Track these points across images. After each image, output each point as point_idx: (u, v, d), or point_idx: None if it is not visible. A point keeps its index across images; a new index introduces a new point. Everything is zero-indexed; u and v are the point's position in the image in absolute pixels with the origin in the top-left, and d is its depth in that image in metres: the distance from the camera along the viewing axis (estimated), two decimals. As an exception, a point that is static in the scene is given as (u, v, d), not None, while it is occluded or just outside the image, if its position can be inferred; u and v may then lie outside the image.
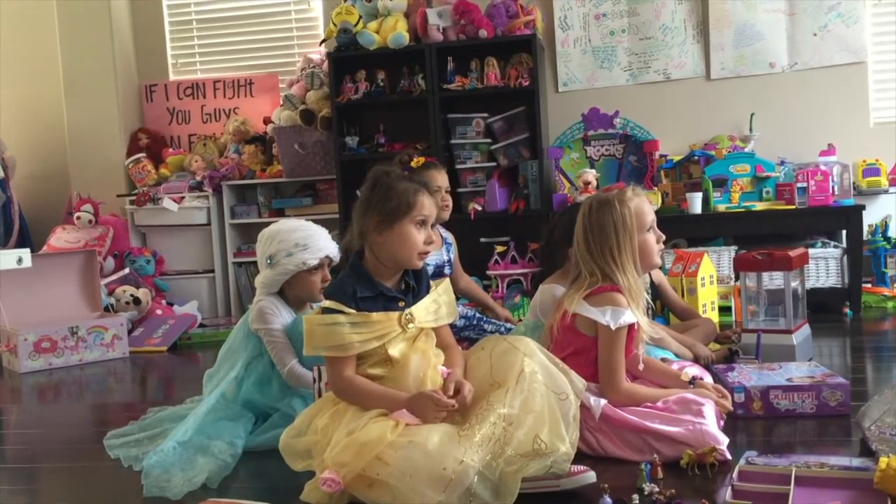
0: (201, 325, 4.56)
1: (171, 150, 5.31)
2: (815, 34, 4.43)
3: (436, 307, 2.02)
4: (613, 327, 2.09)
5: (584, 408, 2.00)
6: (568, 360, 2.03)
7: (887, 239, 4.16)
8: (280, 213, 4.88)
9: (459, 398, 1.81)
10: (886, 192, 4.23)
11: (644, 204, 2.29)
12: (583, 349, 2.17)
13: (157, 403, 2.90)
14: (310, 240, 2.55)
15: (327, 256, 2.58)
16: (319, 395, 2.12)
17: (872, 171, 4.25)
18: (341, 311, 1.88)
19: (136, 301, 4.51)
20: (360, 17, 4.55)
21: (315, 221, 2.69)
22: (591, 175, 4.28)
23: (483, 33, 4.48)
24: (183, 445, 2.18)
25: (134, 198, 5.04)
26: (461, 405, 1.81)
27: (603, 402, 2.05)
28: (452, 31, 4.56)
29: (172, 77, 5.42)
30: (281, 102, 5.04)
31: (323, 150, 4.80)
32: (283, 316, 2.51)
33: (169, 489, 1.98)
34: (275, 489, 1.98)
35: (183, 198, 4.99)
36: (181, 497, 1.96)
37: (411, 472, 1.66)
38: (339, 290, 1.93)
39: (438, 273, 3.18)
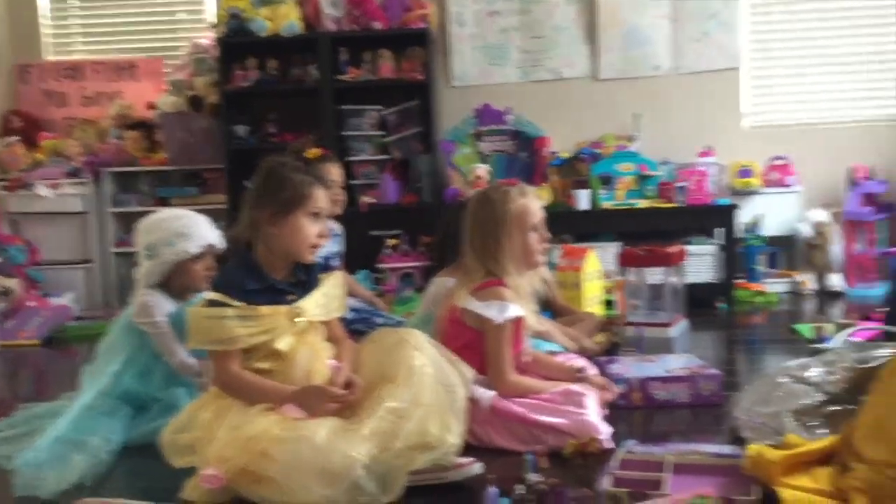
0: (78, 318, 4.37)
1: (46, 133, 5.04)
2: (695, 40, 4.62)
3: (326, 300, 2.00)
4: (498, 322, 2.13)
5: (473, 400, 2.03)
6: (458, 352, 2.05)
7: (759, 237, 4.39)
8: (165, 203, 4.71)
9: (349, 392, 1.80)
10: (759, 192, 4.45)
11: (530, 204, 2.27)
12: (472, 342, 2.19)
13: (30, 399, 2.75)
14: (191, 228, 2.48)
15: (210, 245, 2.51)
16: (203, 391, 2.06)
17: (746, 172, 4.47)
18: (227, 304, 1.83)
19: (7, 292, 4.27)
20: (252, 2, 4.45)
21: (202, 212, 2.61)
22: (482, 170, 4.33)
23: (377, 25, 4.46)
24: (57, 442, 2.08)
25: (5, 183, 4.77)
26: (350, 399, 1.80)
27: (491, 394, 2.08)
28: (346, 21, 4.51)
29: (49, 57, 5.14)
30: (167, 87, 4.87)
31: (211, 138, 4.67)
32: (165, 308, 2.44)
33: (42, 488, 1.89)
34: (154, 488, 1.91)
35: (58, 184, 4.75)
36: (55, 496, 1.87)
37: (298, 466, 1.64)
38: (225, 281, 1.89)
39: (325, 265, 3.14)
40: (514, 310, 2.16)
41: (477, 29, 4.76)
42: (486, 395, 2.08)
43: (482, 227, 2.23)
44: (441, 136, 4.61)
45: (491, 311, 2.14)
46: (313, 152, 2.37)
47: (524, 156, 4.57)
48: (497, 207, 2.22)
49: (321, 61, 4.46)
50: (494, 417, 2.05)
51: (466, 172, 4.46)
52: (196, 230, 2.49)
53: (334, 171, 3.13)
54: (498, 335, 2.15)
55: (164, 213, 2.56)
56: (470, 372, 1.97)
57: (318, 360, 1.92)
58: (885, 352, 2.05)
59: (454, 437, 1.79)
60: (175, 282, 2.50)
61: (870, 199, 4.39)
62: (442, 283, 2.77)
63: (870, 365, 2.01)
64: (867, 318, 3.27)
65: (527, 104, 4.63)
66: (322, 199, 1.96)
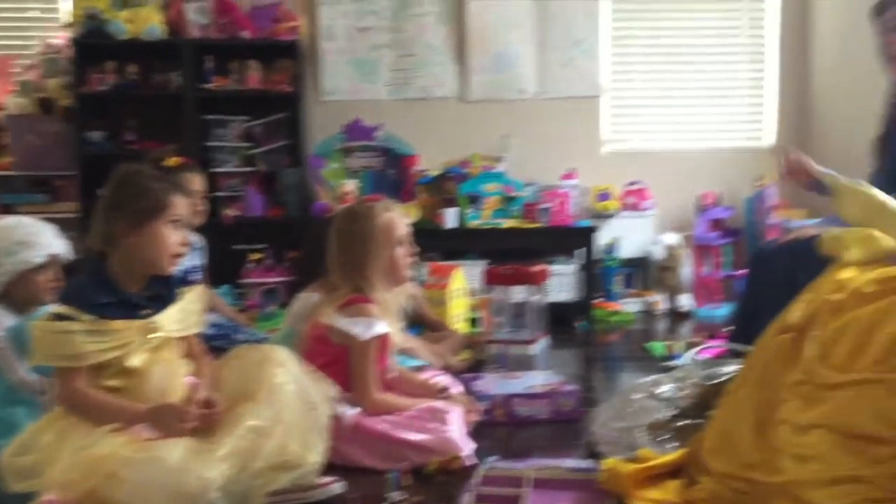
0: None
1: None
2: (560, 66, 4.78)
3: (183, 315, 1.92)
4: (364, 338, 2.11)
5: (336, 418, 2.00)
6: (322, 369, 2.01)
7: (616, 258, 4.57)
8: (9, 210, 4.40)
9: (207, 412, 1.73)
10: (616, 215, 4.64)
11: (396, 218, 2.29)
12: (336, 359, 2.17)
13: None
14: (33, 237, 2.32)
15: (55, 255, 2.36)
16: (47, 410, 1.93)
17: (605, 196, 4.66)
18: (75, 318, 1.72)
19: None
20: (111, 3, 4.26)
21: (51, 220, 2.45)
22: (351, 186, 4.31)
23: (245, 34, 4.36)
24: None
25: None
26: (208, 419, 1.73)
27: (354, 412, 2.06)
28: (213, 28, 4.39)
29: None
30: (14, 88, 4.57)
31: (62, 143, 4.42)
32: (4, 322, 2.27)
33: None
34: (-12, 516, 1.77)
35: None
36: None
37: (149, 489, 1.56)
38: (74, 294, 1.78)
39: (184, 279, 3.03)
40: (380, 326, 2.15)
41: (348, 44, 4.74)
42: (350, 412, 2.05)
43: (348, 242, 2.22)
44: (309, 151, 4.55)
45: (357, 328, 2.13)
46: (173, 161, 2.28)
47: (393, 173, 4.58)
48: (363, 222, 2.21)
49: (185, 68, 4.32)
50: (357, 435, 2.03)
51: (334, 188, 4.42)
52: (39, 239, 2.34)
53: (195, 181, 3.04)
54: (363, 352, 2.14)
55: (5, 221, 2.40)
56: (333, 390, 1.95)
57: (174, 378, 1.84)
58: (729, 369, 2.17)
59: (316, 455, 1.76)
60: (17, 293, 2.33)
61: (717, 224, 4.66)
62: (307, 298, 2.73)
63: (716, 381, 2.12)
64: (714, 337, 3.45)
65: (397, 121, 4.65)
66: (182, 206, 1.89)
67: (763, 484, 1.50)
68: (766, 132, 4.93)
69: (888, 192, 2.68)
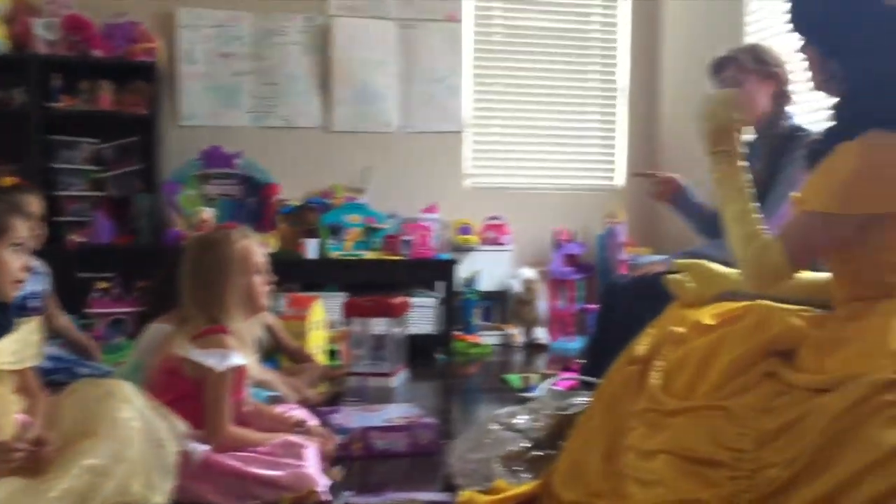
0: None
1: None
2: (423, 101, 4.85)
3: (20, 347, 1.79)
4: (219, 370, 2.04)
5: (185, 455, 1.91)
6: (171, 405, 1.93)
7: (475, 291, 4.64)
8: None
9: (35, 449, 1.61)
10: (476, 249, 4.72)
11: (252, 246, 2.25)
12: (187, 393, 2.08)
13: None
14: None
15: None
16: None
17: (465, 229, 4.74)
18: None
19: None
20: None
21: None
22: (207, 213, 4.18)
23: (97, 53, 4.18)
24: None
25: None
26: (37, 457, 1.61)
27: (204, 448, 1.98)
28: (62, 45, 4.18)
29: None
30: None
31: None
32: None
33: None
34: None
35: None
36: None
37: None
38: None
39: (23, 305, 2.84)
40: (236, 358, 2.08)
41: (208, 69, 4.62)
42: (199, 449, 1.97)
43: (203, 270, 2.15)
44: (164, 176, 4.39)
45: (212, 360, 2.05)
46: (8, 181, 2.15)
47: (252, 201, 4.48)
48: (219, 250, 2.15)
49: (30, 85, 4.08)
50: (207, 472, 1.94)
51: (190, 215, 4.28)
52: None
53: (34, 203, 2.88)
54: (218, 384, 2.06)
55: None
56: (182, 426, 1.86)
57: (4, 415, 1.71)
58: (581, 400, 2.24)
59: (159, 495, 1.68)
60: None
61: (571, 259, 4.83)
62: (158, 330, 2.62)
63: (568, 412, 2.18)
64: (567, 369, 3.56)
65: (258, 149, 4.56)
66: (23, 229, 1.78)
67: (610, 510, 1.55)
68: (618, 172, 5.18)
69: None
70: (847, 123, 1.59)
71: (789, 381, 1.46)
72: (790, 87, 2.78)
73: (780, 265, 1.61)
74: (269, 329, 3.18)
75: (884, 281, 1.55)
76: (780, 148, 2.70)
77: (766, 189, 2.65)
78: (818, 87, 1.71)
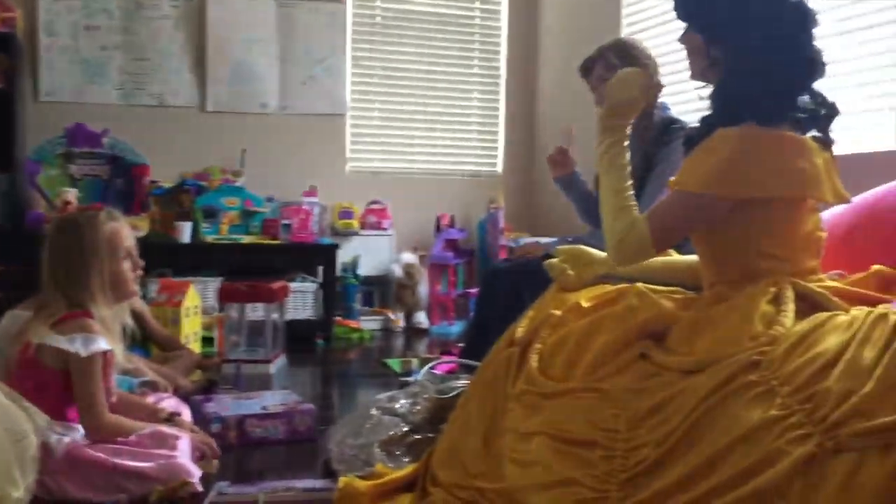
0: None
1: None
2: (303, 83, 4.75)
3: None
4: (84, 355, 1.94)
5: (46, 448, 1.80)
6: (30, 395, 1.81)
7: (356, 276, 4.60)
8: None
9: None
10: (357, 233, 4.68)
11: (121, 229, 2.16)
12: (47, 383, 1.97)
13: None
14: None
15: None
16: None
17: (347, 214, 4.68)
18: None
19: None
20: None
21: None
22: (71, 195, 3.96)
23: (-53, 20, 3.88)
24: None
25: None
26: None
27: (67, 439, 1.88)
28: None
29: None
30: None
31: None
32: None
33: None
34: None
35: None
36: None
37: None
38: None
39: None
40: (101, 343, 1.98)
41: (72, 42, 4.37)
42: (62, 440, 1.86)
43: (66, 254, 2.04)
44: (24, 155, 4.12)
45: (76, 345, 1.94)
46: None
47: (121, 182, 4.28)
48: (84, 233, 2.04)
49: None
50: (69, 465, 1.84)
51: (52, 196, 4.05)
52: None
53: None
54: (86, 370, 1.96)
55: None
56: (43, 417, 1.75)
57: None
58: (460, 383, 2.25)
59: (20, 490, 1.57)
60: None
61: (452, 244, 4.86)
62: (16, 317, 2.47)
63: (448, 395, 2.19)
64: (447, 353, 3.58)
65: (127, 128, 4.35)
66: None
67: (488, 491, 1.56)
68: (499, 158, 5.24)
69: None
70: (724, 110, 1.65)
71: (661, 362, 1.51)
72: (659, 80, 2.86)
73: (643, 241, 1.66)
74: (138, 316, 3.05)
75: (750, 265, 1.63)
76: (654, 140, 2.78)
77: (642, 182, 2.73)
78: (698, 76, 1.76)
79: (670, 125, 2.77)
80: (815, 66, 1.66)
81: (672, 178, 1.71)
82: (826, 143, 1.69)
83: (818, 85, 1.69)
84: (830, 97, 1.70)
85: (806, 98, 1.68)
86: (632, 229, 1.68)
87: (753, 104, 1.61)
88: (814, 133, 1.68)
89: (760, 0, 1.64)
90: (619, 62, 2.77)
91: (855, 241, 1.90)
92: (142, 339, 3.10)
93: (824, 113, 1.69)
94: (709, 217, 1.64)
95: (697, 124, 1.74)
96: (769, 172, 1.57)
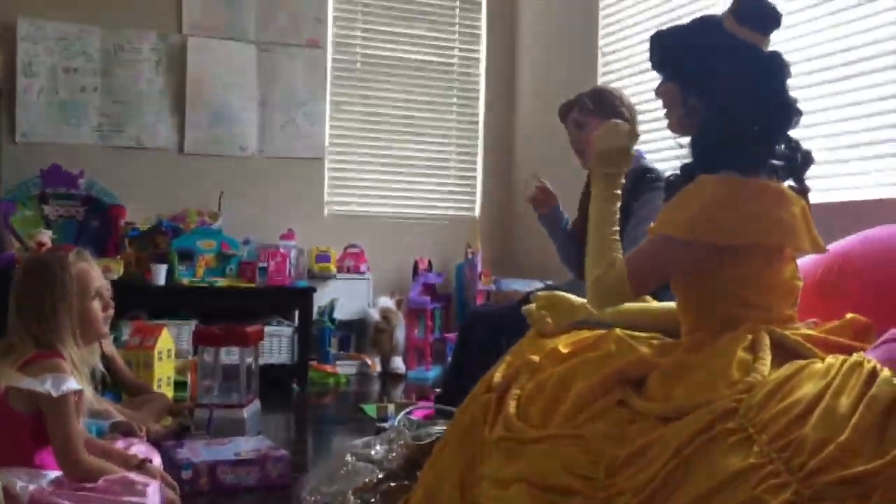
0: None
1: None
2: (282, 126, 4.77)
3: None
4: (55, 395, 1.90)
5: (10, 495, 1.75)
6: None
7: (332, 320, 4.57)
8: None
9: None
10: (334, 277, 4.66)
11: (90, 269, 2.13)
12: (16, 427, 1.92)
13: None
14: None
15: None
16: None
17: (324, 257, 4.67)
18: None
19: None
20: None
21: None
22: (45, 236, 3.90)
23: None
24: None
25: None
26: None
27: (32, 487, 1.82)
28: None
29: None
30: None
31: None
32: None
33: None
34: None
35: None
36: None
37: None
38: None
39: None
40: (72, 383, 1.94)
41: (50, 83, 4.36)
42: (27, 489, 1.81)
43: (35, 294, 2.01)
44: (-2, 195, 4.09)
45: (46, 385, 1.90)
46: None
47: (96, 224, 4.25)
48: (54, 273, 2.02)
49: None
50: (35, 514, 1.79)
51: (26, 237, 3.99)
52: None
53: None
54: (59, 410, 1.91)
55: None
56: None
57: None
58: (437, 429, 2.22)
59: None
60: None
61: (429, 289, 4.84)
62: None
63: (424, 442, 2.16)
64: (424, 398, 3.55)
65: (104, 170, 4.34)
66: None
67: (465, 540, 1.53)
68: (477, 203, 5.27)
69: (577, 251, 2.97)
70: (703, 158, 1.68)
71: (639, 409, 1.50)
72: (636, 129, 2.88)
73: (620, 282, 1.67)
74: (108, 360, 3.01)
75: (729, 313, 1.64)
76: (630, 190, 2.78)
77: (620, 232, 2.74)
78: (675, 126, 1.79)
79: (645, 174, 2.75)
80: (789, 113, 1.69)
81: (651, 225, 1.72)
82: (803, 191, 1.71)
83: (794, 134, 1.73)
84: (805, 146, 1.74)
85: (782, 146, 1.71)
86: (610, 269, 1.69)
87: (731, 152, 1.63)
88: (790, 182, 1.71)
89: (734, 50, 1.67)
90: (594, 107, 2.81)
91: (827, 289, 1.92)
92: (112, 384, 3.05)
93: (800, 161, 1.72)
94: (687, 262, 1.65)
95: (676, 171, 1.76)
96: (748, 219, 1.59)
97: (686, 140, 1.76)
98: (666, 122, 1.82)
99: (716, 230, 1.59)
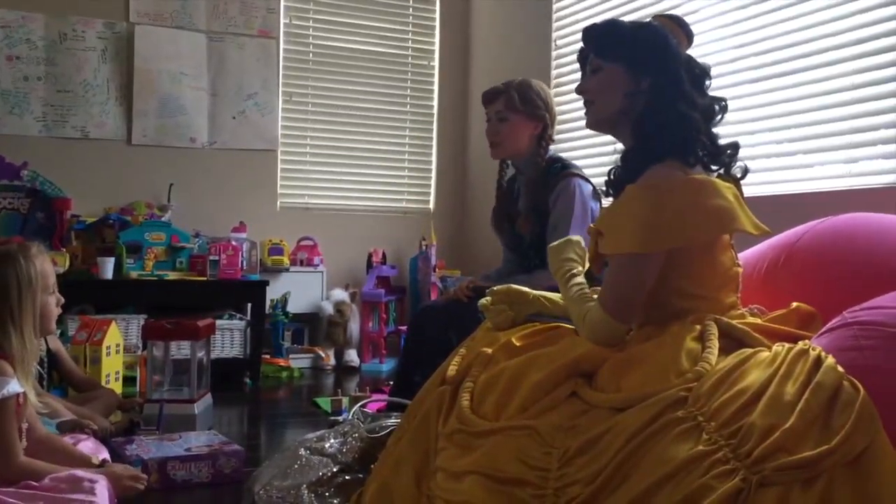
0: None
1: None
2: (233, 117, 4.70)
3: None
4: (-4, 399, 1.85)
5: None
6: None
7: (286, 313, 4.53)
8: None
9: None
10: (288, 270, 4.61)
11: (47, 263, 2.12)
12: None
13: None
14: None
15: None
16: None
17: (277, 250, 4.62)
18: None
19: None
20: None
21: None
22: (-12, 229, 3.82)
23: None
24: None
25: None
26: None
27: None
28: None
29: None
30: None
31: None
32: None
33: None
34: None
35: None
36: None
37: None
38: None
39: None
40: (13, 386, 1.90)
41: (-9, 72, 4.24)
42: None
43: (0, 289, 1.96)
44: (-63, 187, 3.97)
45: (-15, 389, 1.85)
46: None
47: (41, 216, 4.14)
48: (20, 265, 1.98)
49: None
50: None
51: (-33, 230, 3.89)
52: None
53: None
54: (-2, 414, 1.87)
55: None
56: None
57: None
58: (391, 422, 2.22)
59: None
60: None
61: (383, 281, 4.83)
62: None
63: (379, 435, 2.16)
64: (378, 391, 3.54)
65: (48, 161, 4.23)
66: None
67: (420, 532, 1.54)
68: (432, 195, 5.26)
69: (515, 262, 3.00)
70: (646, 143, 1.70)
71: (590, 399, 1.52)
72: (551, 131, 2.95)
73: (604, 322, 1.63)
74: (53, 355, 2.95)
75: (673, 306, 1.66)
76: (539, 182, 2.86)
77: (538, 228, 2.82)
78: (606, 112, 1.79)
79: (552, 165, 2.88)
80: (721, 106, 1.76)
81: (591, 225, 1.75)
82: (734, 178, 1.75)
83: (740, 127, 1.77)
84: (752, 141, 1.79)
85: (713, 136, 1.75)
86: (590, 316, 1.66)
87: (676, 138, 1.66)
88: (720, 172, 1.76)
89: (675, 46, 1.73)
90: (521, 105, 2.86)
91: (774, 278, 1.96)
92: (59, 380, 2.99)
93: (729, 150, 1.76)
94: (656, 272, 1.65)
95: (622, 160, 1.78)
96: (697, 216, 1.62)
97: (621, 146, 1.79)
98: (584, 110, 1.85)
99: (675, 235, 1.61)
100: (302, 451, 2.21)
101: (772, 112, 3.00)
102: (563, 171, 2.85)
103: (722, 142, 1.77)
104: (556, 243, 1.93)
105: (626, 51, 1.76)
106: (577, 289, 1.76)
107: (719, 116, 1.76)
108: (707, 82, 1.77)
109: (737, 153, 1.78)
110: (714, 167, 1.76)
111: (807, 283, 1.87)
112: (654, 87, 1.72)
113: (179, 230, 4.22)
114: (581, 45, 1.87)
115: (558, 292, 1.85)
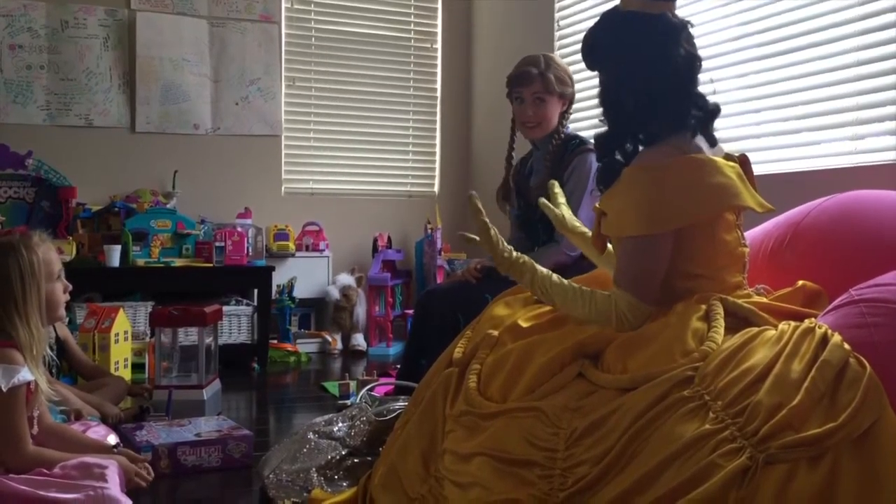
0: None
1: None
2: (236, 103, 4.70)
3: None
4: (5, 388, 1.86)
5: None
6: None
7: (292, 299, 4.54)
8: None
9: None
10: (293, 255, 4.62)
11: (51, 252, 2.12)
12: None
13: None
14: None
15: None
16: None
17: (282, 235, 4.63)
18: None
19: None
20: None
21: None
22: (-6, 218, 3.83)
23: None
24: None
25: None
26: None
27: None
28: None
29: None
30: None
31: None
32: None
33: None
34: None
35: None
36: None
37: None
38: None
39: None
40: (24, 374, 1.91)
41: (-6, 61, 4.24)
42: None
43: (3, 279, 1.96)
44: (-58, 177, 3.98)
45: (-5, 378, 1.86)
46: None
47: (47, 205, 4.15)
48: (21, 256, 1.98)
49: None
50: (-10, 501, 1.77)
51: (-27, 220, 3.90)
52: None
53: None
54: (7, 404, 1.88)
55: None
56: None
57: None
58: (399, 405, 2.23)
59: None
60: None
61: (389, 265, 4.84)
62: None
63: (386, 418, 2.17)
64: (386, 375, 3.55)
65: (53, 150, 4.23)
66: None
67: (428, 514, 1.54)
68: (437, 179, 5.25)
69: (518, 235, 3.01)
70: (615, 129, 1.71)
71: (596, 380, 1.52)
72: (571, 108, 2.99)
73: (631, 305, 1.62)
74: (64, 342, 2.96)
75: (677, 286, 1.66)
76: (558, 157, 2.88)
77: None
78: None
79: (570, 141, 2.92)
80: (693, 63, 1.71)
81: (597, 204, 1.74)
82: (741, 159, 1.74)
83: (745, 105, 1.75)
84: (757, 119, 1.77)
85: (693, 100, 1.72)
86: (615, 305, 1.64)
87: (659, 110, 1.66)
88: (727, 153, 1.74)
89: (628, 24, 1.71)
90: (556, 86, 2.88)
91: (780, 256, 1.96)
92: (68, 368, 3.01)
93: (709, 112, 1.73)
94: (666, 249, 1.64)
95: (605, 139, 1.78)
96: (699, 193, 1.61)
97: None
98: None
99: (679, 214, 1.60)
100: (310, 435, 2.22)
101: (777, 90, 2.98)
102: (580, 146, 2.88)
103: (703, 104, 1.73)
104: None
105: (600, 56, 1.78)
106: (571, 285, 1.73)
107: (699, 66, 1.72)
108: (684, 34, 1.71)
109: (717, 114, 1.74)
110: (700, 129, 1.72)
111: (813, 261, 1.87)
112: (619, 77, 1.73)
113: (185, 217, 4.23)
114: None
115: (563, 274, 1.83)
